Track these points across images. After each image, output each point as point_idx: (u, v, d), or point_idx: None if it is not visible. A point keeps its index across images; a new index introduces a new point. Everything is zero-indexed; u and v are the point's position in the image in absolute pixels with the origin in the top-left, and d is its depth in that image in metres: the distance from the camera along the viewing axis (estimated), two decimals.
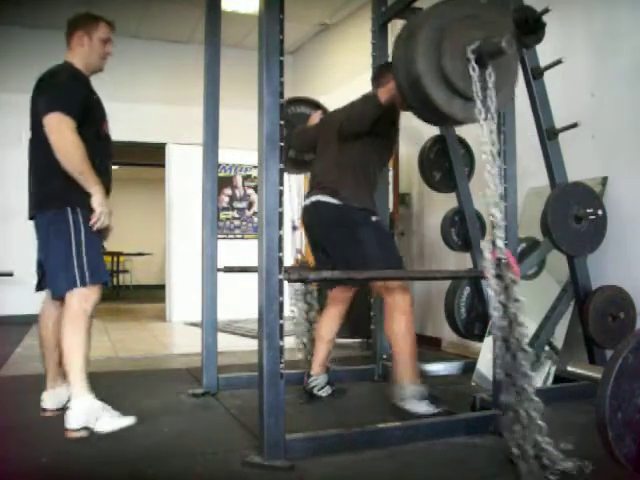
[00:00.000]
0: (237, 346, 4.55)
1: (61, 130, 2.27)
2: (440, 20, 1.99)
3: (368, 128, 2.64)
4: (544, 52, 3.17)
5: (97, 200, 2.37)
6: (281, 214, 2.05)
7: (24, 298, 6.37)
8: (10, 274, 6.15)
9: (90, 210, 2.39)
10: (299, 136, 3.16)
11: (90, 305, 2.41)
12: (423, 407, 2.54)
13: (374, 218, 2.73)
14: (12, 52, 6.48)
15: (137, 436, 2.39)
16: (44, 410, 2.66)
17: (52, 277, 2.45)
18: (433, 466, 2.05)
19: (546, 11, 3.07)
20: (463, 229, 3.88)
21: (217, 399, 2.99)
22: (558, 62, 3.09)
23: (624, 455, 1.66)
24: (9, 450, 2.24)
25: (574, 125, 3.09)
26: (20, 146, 6.45)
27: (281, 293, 2.05)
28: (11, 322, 6.10)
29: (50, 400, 2.67)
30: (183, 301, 6.35)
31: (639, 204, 3.16)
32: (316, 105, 3.46)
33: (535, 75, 3.13)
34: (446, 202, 4.12)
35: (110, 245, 10.32)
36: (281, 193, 2.05)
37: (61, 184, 2.39)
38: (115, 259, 11.65)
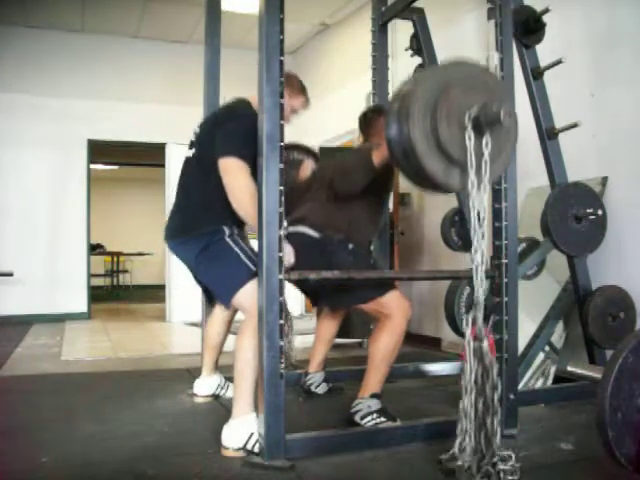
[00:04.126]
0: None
1: (236, 175, 2.30)
2: (436, 84, 1.91)
3: (361, 190, 2.57)
4: (544, 52, 3.18)
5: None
6: (281, 214, 2.05)
7: (24, 298, 6.40)
8: (10, 274, 6.15)
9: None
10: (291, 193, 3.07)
11: None
12: (375, 421, 2.46)
13: (350, 246, 2.65)
14: (12, 52, 6.48)
15: (137, 436, 2.39)
16: (195, 395, 3.00)
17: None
18: (433, 466, 2.04)
19: (546, 11, 3.07)
20: (463, 229, 3.88)
21: (217, 399, 2.99)
22: (558, 62, 3.09)
23: (624, 455, 1.66)
24: (9, 450, 2.23)
25: (574, 125, 3.09)
26: (19, 146, 6.52)
27: (281, 293, 2.05)
28: (11, 322, 6.10)
29: (201, 387, 3.01)
30: (183, 301, 6.35)
31: (639, 204, 3.16)
32: (308, 151, 3.45)
33: (535, 75, 3.13)
34: (446, 202, 4.12)
35: (110, 245, 10.36)
36: (281, 193, 2.05)
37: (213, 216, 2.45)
38: (115, 259, 11.66)
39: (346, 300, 2.68)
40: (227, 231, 2.42)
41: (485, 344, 1.90)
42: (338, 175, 2.64)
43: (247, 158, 2.31)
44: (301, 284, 2.67)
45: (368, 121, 2.87)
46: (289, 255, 2.31)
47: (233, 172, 2.32)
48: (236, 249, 2.38)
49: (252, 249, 2.40)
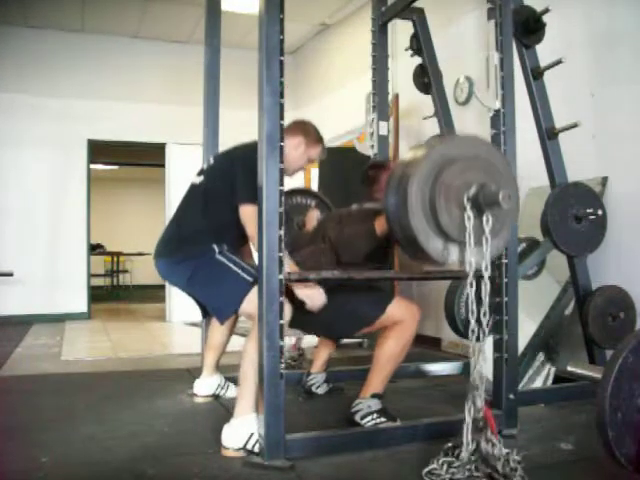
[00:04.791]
0: (237, 346, 4.54)
1: (255, 219, 2.27)
2: (431, 170, 1.90)
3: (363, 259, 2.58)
4: (544, 52, 3.18)
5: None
6: (281, 214, 2.05)
7: (24, 298, 6.40)
8: (10, 274, 6.15)
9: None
10: (295, 243, 3.02)
11: None
12: (375, 421, 2.46)
13: None
14: (12, 52, 6.48)
15: (137, 436, 2.39)
16: (195, 395, 2.99)
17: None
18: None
19: (546, 11, 3.07)
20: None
21: (217, 399, 2.99)
22: (558, 62, 3.09)
23: (624, 455, 1.66)
24: (9, 450, 2.23)
25: (574, 125, 3.09)
26: (19, 146, 6.52)
27: (281, 293, 2.05)
28: (11, 322, 6.10)
29: (202, 387, 3.00)
30: (183, 301, 6.32)
31: (639, 204, 3.16)
32: (314, 195, 3.47)
33: (535, 75, 3.13)
34: None
35: (110, 245, 10.35)
36: (281, 193, 2.05)
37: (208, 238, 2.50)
38: (115, 259, 11.66)
39: (349, 327, 2.64)
40: (217, 249, 2.46)
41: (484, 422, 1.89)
42: (342, 244, 2.63)
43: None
44: (298, 321, 2.58)
45: (371, 178, 2.82)
46: (317, 297, 2.39)
47: (255, 219, 2.26)
48: (229, 264, 2.43)
49: (245, 260, 2.47)
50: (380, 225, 2.47)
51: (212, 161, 2.74)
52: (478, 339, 1.94)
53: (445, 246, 1.94)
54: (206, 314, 2.94)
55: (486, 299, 1.95)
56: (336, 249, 2.65)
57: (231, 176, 2.48)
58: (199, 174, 2.71)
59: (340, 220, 2.76)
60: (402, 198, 1.92)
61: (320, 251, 2.70)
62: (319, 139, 2.71)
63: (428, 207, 1.90)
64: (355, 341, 4.62)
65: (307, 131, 2.65)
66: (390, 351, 2.48)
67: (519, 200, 2.07)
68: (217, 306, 2.49)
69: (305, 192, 3.49)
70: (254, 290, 2.23)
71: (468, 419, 1.89)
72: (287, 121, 2.19)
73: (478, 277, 1.97)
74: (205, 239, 2.49)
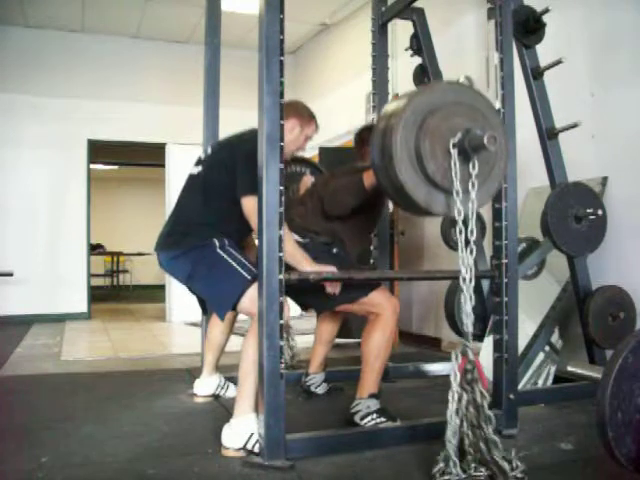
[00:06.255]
0: (237, 346, 4.54)
1: (256, 213, 2.29)
2: (416, 116, 1.89)
3: (351, 212, 2.59)
4: (544, 52, 3.18)
5: None
6: (281, 214, 2.05)
7: (24, 298, 6.40)
8: (10, 274, 6.14)
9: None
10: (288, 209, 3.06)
11: None
12: (375, 421, 2.46)
13: (335, 250, 2.66)
14: (12, 52, 6.48)
15: (137, 436, 2.39)
16: (195, 395, 3.00)
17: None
18: (432, 466, 2.04)
19: (546, 11, 3.07)
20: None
21: (217, 399, 2.99)
22: (558, 62, 3.09)
23: (624, 455, 1.66)
24: (9, 450, 2.23)
25: (574, 125, 3.09)
26: (20, 146, 6.52)
27: (281, 293, 2.05)
28: (11, 322, 6.10)
29: (201, 387, 3.01)
30: (183, 301, 6.33)
31: (639, 204, 3.16)
32: (308, 163, 3.46)
33: (535, 75, 3.13)
34: None
35: (110, 245, 10.35)
36: (281, 193, 2.05)
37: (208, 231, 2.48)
38: (115, 259, 11.66)
39: (331, 302, 2.65)
40: (217, 243, 2.43)
41: (476, 375, 1.88)
42: (328, 195, 2.65)
43: None
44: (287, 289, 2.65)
45: (362, 140, 2.85)
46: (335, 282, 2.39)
47: (256, 211, 2.26)
48: (229, 260, 2.40)
49: (245, 256, 2.44)
50: (368, 178, 2.45)
51: (210, 151, 2.69)
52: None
53: (433, 194, 1.93)
54: (206, 311, 2.94)
55: (473, 246, 1.95)
56: (323, 203, 2.66)
57: (231, 166, 2.44)
58: (197, 164, 2.67)
59: (329, 178, 2.78)
60: (387, 147, 1.90)
61: (307, 211, 2.71)
62: (312, 116, 2.70)
63: (414, 155, 1.89)
64: (354, 341, 4.61)
65: (299, 111, 2.63)
66: (377, 345, 2.49)
67: (507, 145, 2.05)
68: (215, 301, 2.48)
69: (300, 160, 3.46)
70: (254, 287, 2.22)
71: (455, 367, 1.89)
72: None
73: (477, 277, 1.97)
74: (205, 231, 2.46)
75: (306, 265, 2.34)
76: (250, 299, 2.26)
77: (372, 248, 3.47)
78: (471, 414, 1.88)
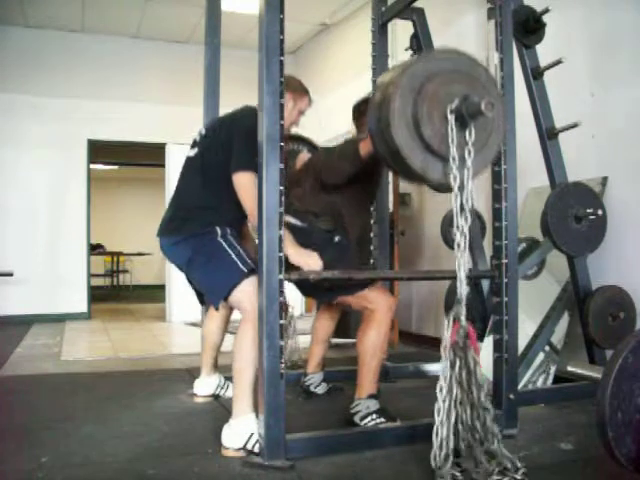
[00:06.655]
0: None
1: (251, 188, 2.27)
2: (413, 81, 1.89)
3: (347, 180, 2.57)
4: (544, 52, 3.18)
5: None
6: (281, 214, 2.05)
7: (24, 298, 6.40)
8: (10, 274, 6.14)
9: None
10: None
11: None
12: (375, 421, 2.46)
13: (337, 239, 2.64)
14: (12, 52, 6.48)
15: (137, 436, 2.39)
16: (195, 395, 3.00)
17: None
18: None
19: (546, 11, 3.07)
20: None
21: (217, 399, 2.99)
22: (558, 62, 3.09)
23: (624, 455, 1.66)
24: (9, 450, 2.23)
25: (574, 125, 3.09)
26: (20, 146, 6.52)
27: (281, 293, 2.05)
28: (11, 322, 6.10)
29: (201, 387, 3.01)
30: (183, 301, 6.34)
31: (639, 204, 3.16)
32: (303, 141, 3.46)
33: (535, 75, 3.14)
34: (446, 202, 4.11)
35: (110, 245, 10.34)
36: (281, 193, 2.05)
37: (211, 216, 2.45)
38: (115, 259, 11.65)
39: (330, 293, 2.65)
40: (219, 231, 2.41)
41: (467, 342, 1.89)
42: (324, 164, 2.64)
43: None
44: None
45: (360, 112, 2.86)
46: (313, 264, 2.36)
47: (250, 190, 2.28)
48: (228, 250, 2.37)
49: (245, 249, 2.41)
50: (365, 146, 2.42)
51: (204, 132, 2.65)
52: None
53: (429, 161, 1.92)
54: (203, 301, 2.92)
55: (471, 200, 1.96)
56: (320, 174, 2.65)
57: (227, 145, 2.41)
58: (193, 146, 2.64)
59: (325, 151, 2.79)
60: (385, 111, 1.90)
61: (304, 192, 2.70)
62: (304, 90, 2.69)
63: (411, 120, 1.88)
64: (353, 341, 4.61)
65: (292, 85, 2.61)
66: (372, 344, 2.49)
67: (504, 113, 2.05)
68: (210, 290, 2.46)
69: (296, 138, 3.46)
70: (249, 281, 2.22)
71: (447, 336, 1.89)
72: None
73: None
74: (207, 217, 2.43)
75: (289, 248, 2.27)
76: (243, 292, 2.25)
77: (372, 248, 3.47)
78: (464, 382, 1.88)
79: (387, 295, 2.62)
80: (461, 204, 1.97)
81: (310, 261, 2.38)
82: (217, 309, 2.53)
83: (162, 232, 2.57)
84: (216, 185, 2.45)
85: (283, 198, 2.06)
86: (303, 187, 2.77)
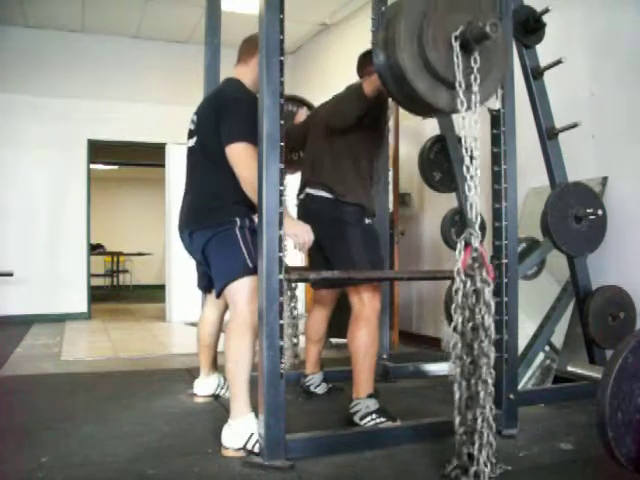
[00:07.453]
0: None
1: (247, 161, 2.26)
2: (419, 7, 1.93)
3: (355, 122, 2.57)
4: (544, 52, 3.18)
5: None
6: (281, 214, 2.05)
7: (24, 298, 6.40)
8: (10, 274, 6.14)
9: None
10: (287, 136, 3.08)
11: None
12: (375, 421, 2.46)
13: (367, 220, 2.67)
14: (12, 52, 6.47)
15: (137, 436, 2.39)
16: (195, 395, 3.00)
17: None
18: (432, 466, 2.04)
19: (546, 11, 3.07)
20: (463, 229, 3.87)
21: (217, 399, 2.99)
22: (558, 62, 3.09)
23: (624, 455, 1.66)
24: (9, 450, 2.23)
25: (574, 125, 3.09)
26: (20, 146, 6.52)
27: (281, 293, 2.05)
28: (11, 322, 6.10)
29: (201, 387, 3.02)
30: (183, 301, 6.35)
31: (639, 204, 3.16)
32: (301, 102, 3.47)
33: (535, 75, 3.13)
34: (446, 202, 4.12)
35: (110, 245, 10.35)
36: (281, 193, 2.05)
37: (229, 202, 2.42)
38: (115, 259, 11.64)
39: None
40: (239, 222, 2.38)
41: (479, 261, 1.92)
42: (331, 113, 2.68)
43: (255, 142, 2.24)
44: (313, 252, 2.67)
45: (365, 62, 2.87)
46: (305, 235, 2.33)
47: (244, 161, 2.27)
48: (241, 242, 2.36)
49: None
50: (368, 85, 2.45)
51: (196, 119, 2.62)
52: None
53: (435, 88, 1.95)
54: (205, 290, 2.92)
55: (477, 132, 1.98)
56: (327, 121, 2.70)
57: (218, 121, 2.39)
58: (190, 137, 2.62)
59: (328, 102, 2.85)
60: (391, 36, 1.94)
61: (320, 159, 2.72)
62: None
63: (416, 45, 1.92)
64: None
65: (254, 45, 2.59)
66: (363, 343, 2.50)
67: (506, 43, 2.11)
68: (216, 274, 2.45)
69: (294, 99, 3.46)
70: (250, 278, 2.23)
71: (458, 259, 1.93)
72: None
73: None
74: (226, 208, 2.40)
75: (285, 216, 2.17)
76: (241, 286, 2.26)
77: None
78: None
79: (377, 292, 2.61)
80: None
81: (302, 232, 2.34)
82: (218, 296, 2.51)
83: (183, 226, 2.56)
84: (225, 169, 2.38)
85: (283, 198, 2.06)
86: (317, 151, 2.77)
